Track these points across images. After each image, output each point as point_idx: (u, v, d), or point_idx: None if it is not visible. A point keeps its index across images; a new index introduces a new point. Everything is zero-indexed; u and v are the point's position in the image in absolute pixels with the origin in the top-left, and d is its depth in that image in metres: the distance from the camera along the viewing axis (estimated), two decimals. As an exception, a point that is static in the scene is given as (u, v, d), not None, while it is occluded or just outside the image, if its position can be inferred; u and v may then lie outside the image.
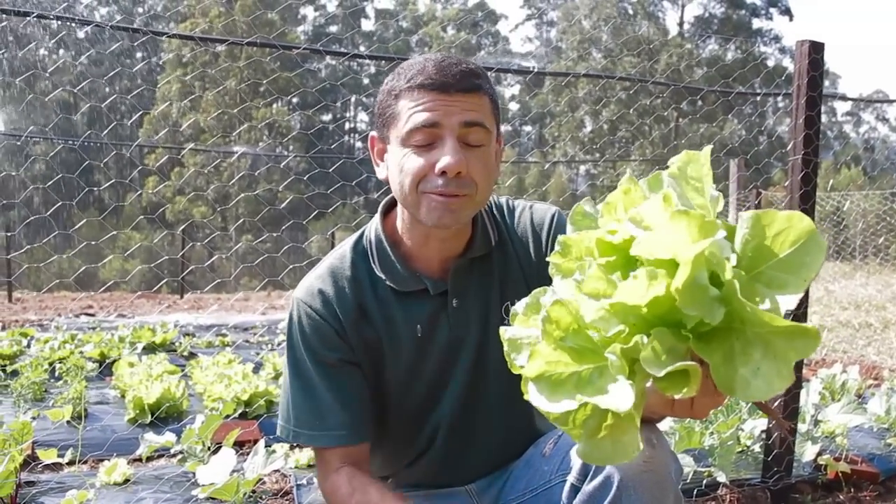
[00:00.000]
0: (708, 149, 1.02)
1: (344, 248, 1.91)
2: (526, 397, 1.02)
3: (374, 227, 1.90)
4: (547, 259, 1.06)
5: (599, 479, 1.57)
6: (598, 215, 1.10)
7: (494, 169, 1.76)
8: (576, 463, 1.65)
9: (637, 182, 1.07)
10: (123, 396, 5.12)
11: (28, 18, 3.19)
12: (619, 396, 0.92)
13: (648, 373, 0.91)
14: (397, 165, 1.70)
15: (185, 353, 7.70)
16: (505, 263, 1.91)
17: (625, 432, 0.99)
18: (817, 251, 0.90)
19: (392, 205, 1.92)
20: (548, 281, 1.91)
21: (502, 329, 1.12)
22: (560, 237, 1.10)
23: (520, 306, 1.13)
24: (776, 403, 3.38)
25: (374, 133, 1.82)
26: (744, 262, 0.92)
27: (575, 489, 1.65)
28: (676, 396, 0.93)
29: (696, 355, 0.93)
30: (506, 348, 1.10)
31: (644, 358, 0.89)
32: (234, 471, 3.03)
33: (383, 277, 1.84)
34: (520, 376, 1.05)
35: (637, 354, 0.91)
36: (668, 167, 1.05)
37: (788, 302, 0.90)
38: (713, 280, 0.91)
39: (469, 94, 1.66)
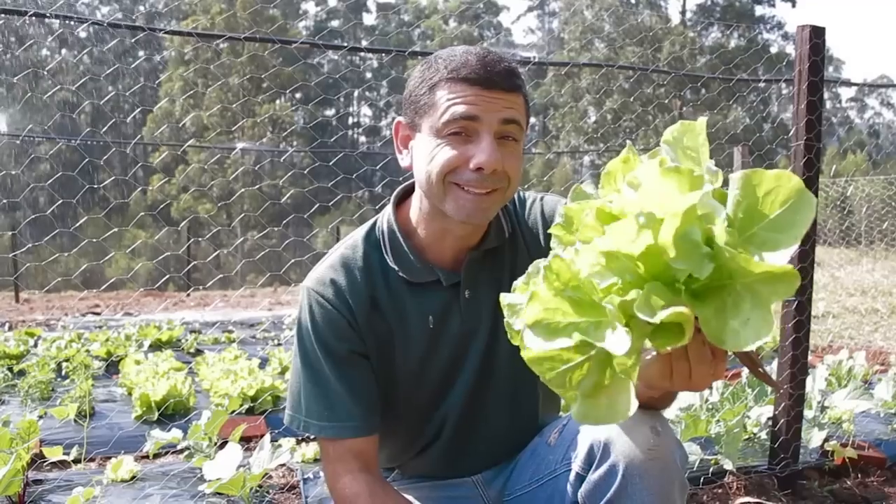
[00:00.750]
0: (703, 119, 1.03)
1: (356, 238, 1.90)
2: (522, 348, 1.02)
3: (386, 217, 1.89)
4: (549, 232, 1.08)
5: (605, 467, 1.57)
6: (597, 195, 1.11)
7: (522, 163, 1.76)
8: (581, 451, 1.65)
9: (636, 152, 1.08)
10: (130, 394, 5.13)
11: (25, 17, 3.18)
12: (616, 340, 0.93)
13: (643, 326, 0.92)
14: (427, 155, 1.67)
15: (191, 350, 7.71)
16: (516, 255, 1.91)
17: (620, 391, 1.00)
18: (807, 208, 0.91)
19: (404, 195, 1.92)
20: None
21: (502, 295, 1.12)
22: (561, 208, 1.10)
23: (521, 278, 1.13)
24: (781, 391, 3.38)
25: (401, 119, 1.79)
26: (736, 224, 0.93)
27: (580, 478, 1.65)
28: (670, 348, 0.94)
29: (689, 311, 0.94)
30: (505, 313, 1.11)
31: (639, 307, 0.90)
32: (240, 466, 3.03)
33: (396, 268, 1.83)
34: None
35: (632, 309, 0.92)
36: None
37: (780, 259, 0.90)
38: (708, 242, 0.92)
39: (509, 93, 1.65)
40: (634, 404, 0.99)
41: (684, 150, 1.02)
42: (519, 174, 1.73)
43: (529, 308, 1.00)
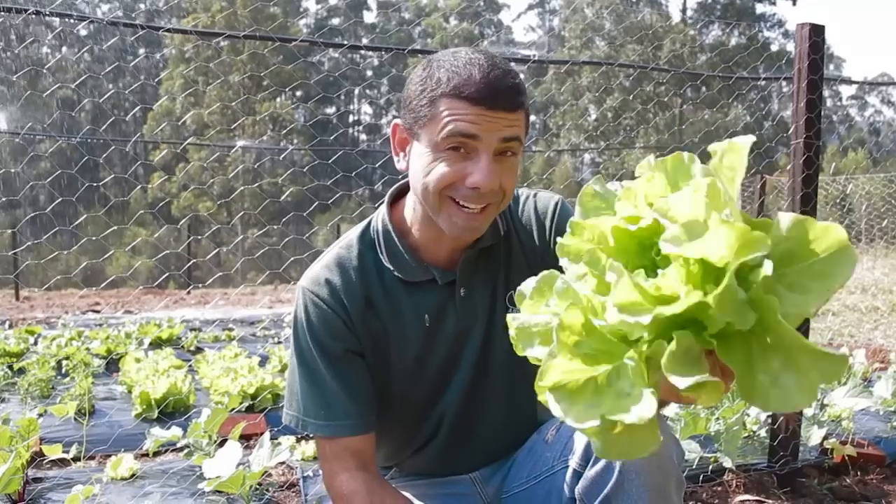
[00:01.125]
0: (750, 139, 0.99)
1: (350, 237, 1.90)
2: (550, 408, 1.01)
3: (381, 217, 1.88)
4: (551, 246, 1.06)
5: (601, 464, 1.57)
6: (610, 196, 1.08)
7: (518, 173, 1.75)
8: (578, 448, 1.65)
9: (661, 168, 1.04)
10: (130, 392, 5.14)
11: (25, 15, 3.18)
12: (642, 408, 0.90)
13: (668, 379, 0.90)
14: (425, 167, 1.66)
15: (192, 348, 7.72)
16: (510, 252, 1.91)
17: (643, 427, 0.97)
18: (846, 263, 0.88)
19: (399, 195, 1.92)
20: (551, 268, 1.90)
21: (510, 316, 1.10)
22: (572, 220, 1.08)
23: (527, 287, 1.11)
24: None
25: (398, 121, 1.77)
26: (772, 262, 0.91)
27: (577, 474, 1.65)
28: (698, 403, 0.92)
29: (712, 358, 0.91)
30: (512, 334, 1.08)
31: (666, 365, 0.87)
32: (240, 464, 3.04)
33: (391, 268, 1.83)
34: (525, 364, 1.04)
35: (656, 355, 0.89)
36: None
37: (806, 308, 0.88)
38: (738, 277, 0.89)
39: (512, 112, 1.63)
40: (659, 439, 0.98)
41: (724, 169, 1.00)
42: (514, 187, 1.72)
43: (547, 376, 0.98)
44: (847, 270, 0.88)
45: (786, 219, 0.92)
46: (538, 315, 1.08)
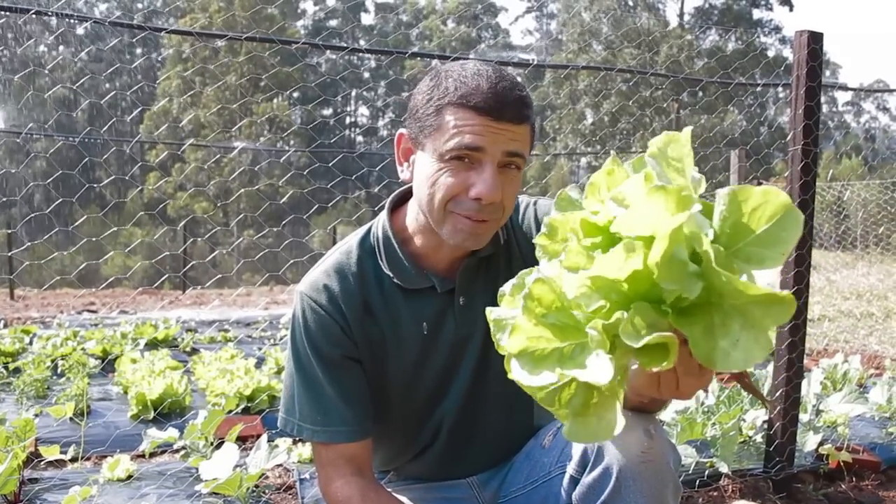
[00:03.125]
0: (688, 130, 1.02)
1: (350, 243, 1.90)
2: (509, 374, 1.03)
3: (381, 223, 1.88)
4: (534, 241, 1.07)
5: (598, 470, 1.58)
6: (582, 203, 1.11)
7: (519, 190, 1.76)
8: (575, 454, 1.66)
9: (621, 163, 1.07)
10: (126, 392, 5.12)
11: (27, 15, 3.18)
12: (599, 370, 0.93)
13: (628, 345, 0.92)
14: (429, 178, 1.66)
15: (188, 349, 7.69)
16: (510, 260, 1.91)
17: (607, 409, 1.01)
18: (794, 225, 0.91)
19: (400, 201, 1.91)
20: None
21: (488, 309, 1.12)
22: (546, 219, 1.10)
23: (507, 287, 1.13)
24: (776, 394, 3.39)
25: (403, 131, 1.77)
26: (722, 239, 0.93)
27: (574, 480, 1.66)
28: (655, 369, 0.94)
29: (677, 330, 0.94)
30: (492, 328, 1.11)
31: (623, 331, 0.91)
32: (236, 466, 3.04)
33: (390, 275, 1.83)
34: None
35: (617, 330, 0.92)
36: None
37: (766, 276, 0.91)
38: (693, 258, 0.92)
39: (518, 125, 1.63)
40: (621, 422, 1.00)
41: (668, 160, 1.02)
42: (514, 203, 1.73)
43: (512, 339, 1.01)
44: (796, 231, 0.90)
45: (722, 193, 0.94)
46: (514, 309, 1.10)
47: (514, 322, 1.01)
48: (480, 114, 1.59)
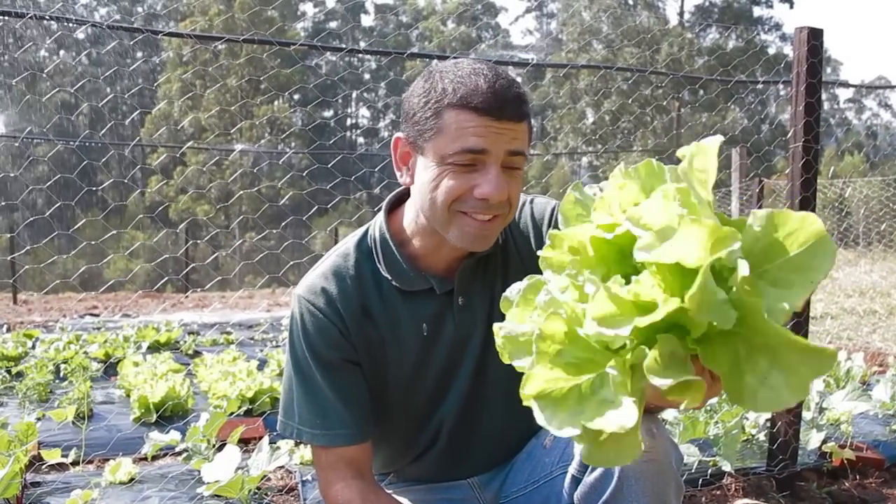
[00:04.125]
0: (718, 139, 0.99)
1: (347, 246, 1.89)
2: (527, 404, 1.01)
3: (378, 225, 1.87)
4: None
5: (600, 470, 1.57)
6: (590, 201, 1.09)
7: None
8: (576, 454, 1.65)
9: (632, 175, 1.04)
10: (128, 396, 5.13)
11: (24, 19, 3.18)
12: (623, 417, 0.90)
13: (651, 382, 0.90)
14: (432, 181, 1.65)
15: (190, 352, 7.70)
16: (508, 259, 1.90)
17: (627, 435, 0.98)
18: (826, 254, 0.88)
19: (396, 203, 1.91)
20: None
21: (496, 326, 1.10)
22: (551, 232, 1.08)
23: (512, 293, 1.11)
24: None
25: (400, 135, 1.75)
26: (751, 259, 0.90)
27: (576, 480, 1.65)
28: (682, 406, 0.92)
29: (698, 361, 0.91)
30: (499, 343, 1.09)
31: (648, 368, 0.88)
32: (238, 468, 3.03)
33: (388, 277, 1.82)
34: (522, 373, 1.04)
35: (639, 360, 0.90)
36: (670, 157, 1.04)
37: (792, 302, 0.88)
38: (718, 279, 0.89)
39: (518, 123, 1.63)
40: (640, 447, 0.98)
41: (694, 172, 0.99)
42: (518, 200, 1.73)
43: (529, 386, 0.99)
44: (828, 260, 0.88)
45: (759, 215, 0.92)
46: (524, 324, 1.08)
47: (529, 371, 0.99)
48: (481, 114, 1.58)
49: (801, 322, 3.33)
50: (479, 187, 1.61)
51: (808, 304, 3.39)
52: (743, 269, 0.86)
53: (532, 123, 1.72)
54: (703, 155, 0.99)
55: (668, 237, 0.90)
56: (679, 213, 0.90)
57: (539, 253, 1.08)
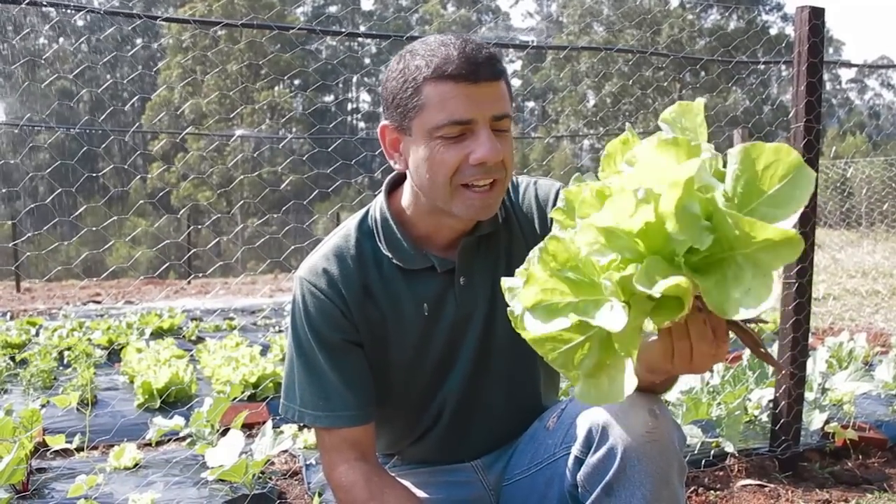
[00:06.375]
0: (701, 100, 1.03)
1: (348, 227, 1.89)
2: (521, 331, 1.03)
3: (378, 206, 1.88)
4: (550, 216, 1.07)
5: (603, 450, 1.57)
6: (599, 171, 1.13)
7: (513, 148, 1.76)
8: (580, 435, 1.65)
9: (636, 134, 1.08)
10: (132, 382, 5.14)
11: (22, 5, 3.17)
12: (613, 317, 0.94)
13: (642, 303, 0.92)
14: (425, 158, 1.66)
15: (193, 338, 7.72)
16: (510, 240, 1.90)
17: (620, 370, 1.01)
18: (806, 183, 0.91)
19: (395, 183, 1.91)
20: None
21: (503, 279, 1.13)
22: (562, 192, 1.10)
23: (512, 282, 1.14)
24: (782, 373, 3.38)
25: (385, 122, 1.75)
26: (735, 200, 0.94)
27: (579, 461, 1.65)
28: (668, 323, 0.95)
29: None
30: (506, 298, 1.12)
31: (637, 280, 0.91)
32: (242, 452, 3.04)
33: (389, 255, 1.83)
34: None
35: (632, 284, 0.92)
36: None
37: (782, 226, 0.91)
38: (706, 217, 0.93)
39: (495, 82, 1.64)
40: (634, 382, 0.99)
41: (682, 130, 1.02)
42: (513, 160, 1.73)
43: (527, 290, 1.01)
44: (809, 189, 0.91)
45: (734, 151, 0.95)
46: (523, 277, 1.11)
47: (529, 271, 1.01)
48: (458, 81, 1.60)
49: (803, 303, 3.33)
50: (473, 153, 1.62)
51: (809, 284, 3.38)
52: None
53: (510, 82, 1.73)
54: (688, 114, 1.02)
55: (649, 161, 0.95)
56: (663, 140, 0.95)
57: (551, 214, 1.11)
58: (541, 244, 1.04)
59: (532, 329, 1.01)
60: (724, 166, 0.96)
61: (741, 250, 0.90)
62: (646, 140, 0.99)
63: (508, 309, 1.11)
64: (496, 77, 1.64)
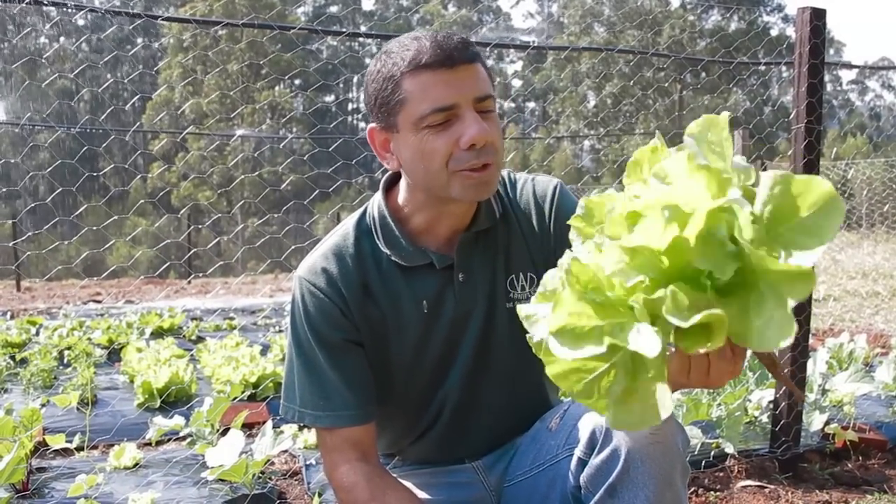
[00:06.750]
0: (726, 114, 1.02)
1: (347, 226, 1.90)
2: (544, 358, 1.01)
3: (376, 203, 1.88)
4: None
5: (607, 451, 1.57)
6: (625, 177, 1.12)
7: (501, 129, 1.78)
8: (583, 436, 1.65)
9: (665, 142, 1.08)
10: (132, 381, 5.14)
11: (22, 4, 3.17)
12: (646, 342, 0.92)
13: (668, 327, 0.91)
14: (416, 151, 1.67)
15: (193, 337, 7.72)
16: (509, 236, 1.90)
17: (651, 394, 0.98)
18: (836, 214, 0.90)
19: (393, 181, 1.91)
20: (551, 252, 1.88)
21: (520, 307, 1.11)
22: (583, 200, 1.10)
23: (546, 281, 1.12)
24: (784, 371, 3.38)
25: (372, 125, 1.78)
26: (762, 223, 0.92)
27: (582, 463, 1.65)
28: (702, 350, 0.93)
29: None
30: (525, 324, 1.10)
31: (668, 310, 0.89)
32: (242, 452, 3.04)
33: (388, 253, 1.83)
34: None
35: (659, 309, 0.91)
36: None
37: (806, 260, 0.90)
38: (734, 241, 0.92)
39: (471, 65, 1.65)
40: (670, 403, 0.97)
41: (709, 144, 1.00)
42: (502, 141, 1.74)
43: (556, 314, 0.98)
44: (837, 221, 0.90)
45: (767, 177, 0.93)
46: (546, 304, 1.09)
47: (557, 295, 1.00)
48: (435, 69, 1.62)
49: (803, 304, 3.33)
50: (462, 136, 1.63)
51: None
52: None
53: (486, 64, 1.74)
54: (715, 128, 1.01)
55: (679, 185, 0.94)
56: (695, 165, 0.93)
57: (570, 222, 1.10)
58: (563, 265, 1.02)
59: (560, 355, 0.97)
60: (755, 185, 0.95)
61: (763, 278, 0.90)
62: (675, 153, 0.98)
63: (528, 335, 1.09)
64: (471, 60, 1.66)
